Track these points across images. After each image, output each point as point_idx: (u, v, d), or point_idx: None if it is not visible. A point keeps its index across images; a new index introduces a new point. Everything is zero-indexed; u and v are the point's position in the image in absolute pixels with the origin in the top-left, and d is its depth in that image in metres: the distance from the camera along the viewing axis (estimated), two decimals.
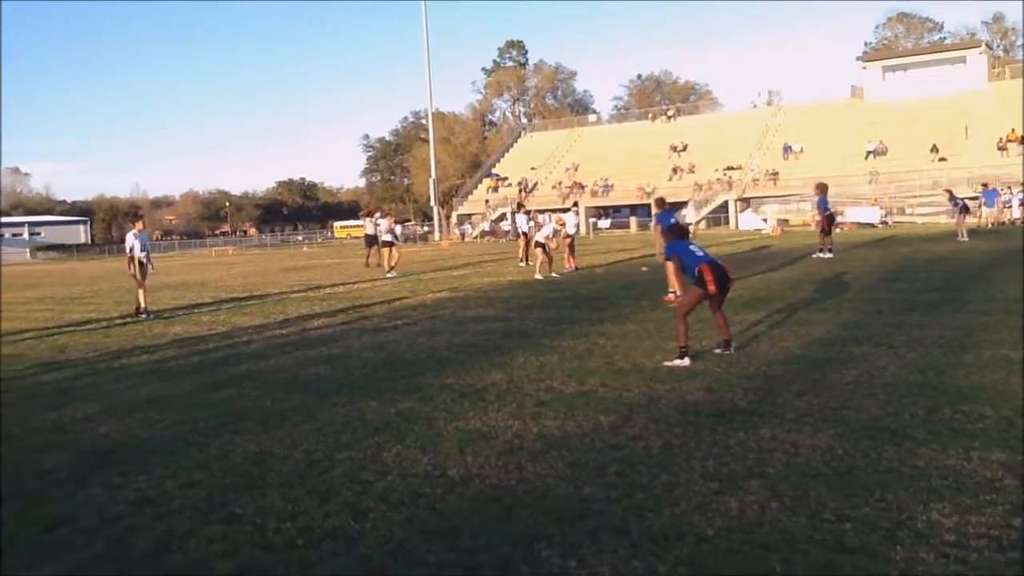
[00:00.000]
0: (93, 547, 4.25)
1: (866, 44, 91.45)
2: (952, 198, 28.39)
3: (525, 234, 24.88)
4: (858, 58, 72.36)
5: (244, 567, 3.87)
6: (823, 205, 21.26)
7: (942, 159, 51.40)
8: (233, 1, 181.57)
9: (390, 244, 23.50)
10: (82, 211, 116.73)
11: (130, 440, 6.33)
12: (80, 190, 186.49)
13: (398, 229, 24.03)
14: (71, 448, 6.19)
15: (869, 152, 55.46)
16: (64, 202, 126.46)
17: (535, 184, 68.28)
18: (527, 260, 23.86)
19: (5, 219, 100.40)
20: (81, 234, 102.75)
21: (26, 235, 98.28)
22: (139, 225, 16.63)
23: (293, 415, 6.78)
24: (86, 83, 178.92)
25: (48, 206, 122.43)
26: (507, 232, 55.71)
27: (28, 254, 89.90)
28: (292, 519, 4.45)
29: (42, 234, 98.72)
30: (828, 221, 21.42)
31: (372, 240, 26.54)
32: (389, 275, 22.43)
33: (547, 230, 21.46)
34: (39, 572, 3.96)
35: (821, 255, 20.71)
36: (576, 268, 19.58)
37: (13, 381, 9.34)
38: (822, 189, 21.35)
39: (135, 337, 12.59)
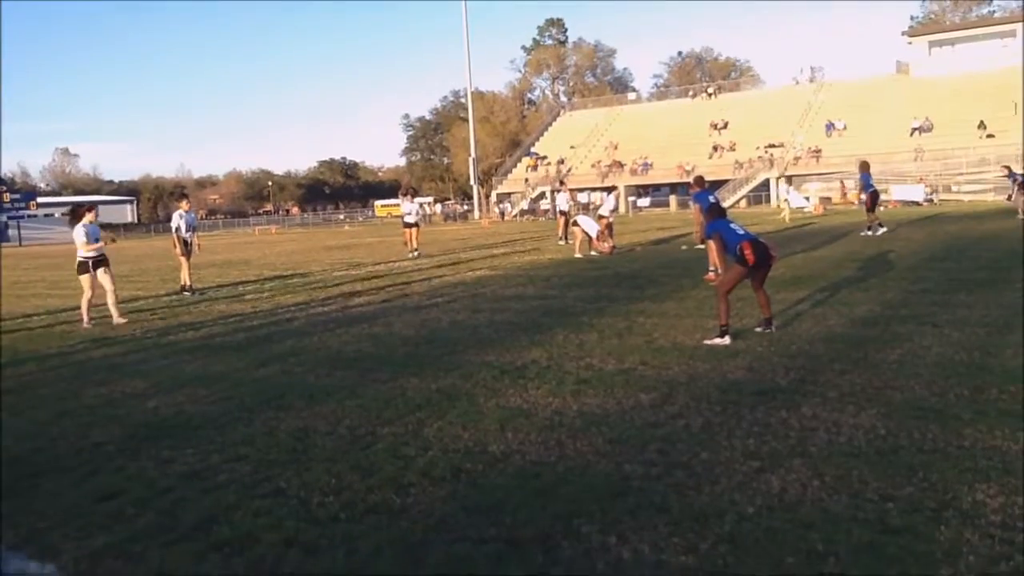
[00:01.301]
0: (143, 518, 4.35)
1: (912, 18, 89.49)
2: (1011, 174, 27.72)
3: (564, 213, 24.80)
4: (904, 33, 70.73)
5: (289, 540, 3.94)
6: (865, 182, 20.98)
7: (990, 135, 50.22)
8: None
9: (413, 225, 23.35)
10: (129, 191, 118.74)
11: (178, 415, 6.47)
12: (127, 170, 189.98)
13: (413, 207, 23.80)
14: (122, 422, 6.33)
15: (914, 129, 54.38)
16: (111, 182, 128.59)
17: (570, 168, 67.89)
18: (566, 238, 23.82)
19: (56, 199, 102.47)
20: (128, 213, 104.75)
21: None
22: (185, 205, 16.95)
23: (336, 391, 6.87)
24: (132, 65, 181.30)
25: (96, 186, 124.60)
26: (546, 211, 55.66)
27: None
28: (336, 493, 4.52)
29: None
30: (872, 199, 21.11)
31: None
32: (412, 255, 22.36)
33: (609, 204, 21.44)
34: (93, 542, 4.07)
35: (869, 232, 20.42)
36: (613, 249, 19.49)
37: (65, 356, 9.58)
38: (864, 167, 21.09)
39: (181, 314, 12.82)
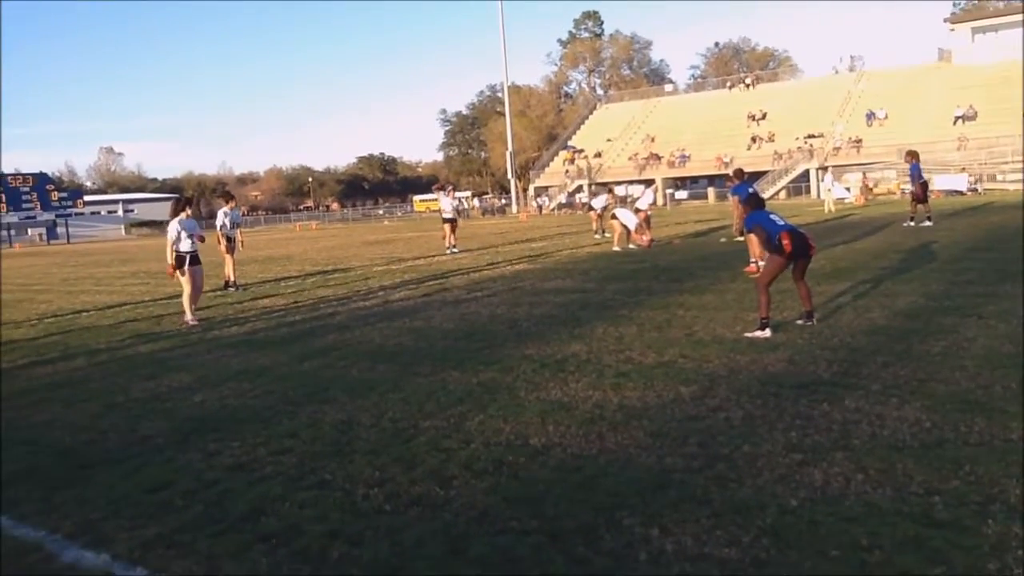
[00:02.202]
0: (192, 509, 4.45)
1: (954, 4, 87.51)
2: None
3: (596, 210, 24.81)
4: (946, 20, 69.25)
5: (334, 532, 4.01)
6: (915, 172, 20.62)
7: None
8: None
9: (451, 220, 23.30)
10: (172, 188, 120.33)
11: (224, 409, 6.59)
12: (170, 168, 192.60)
13: (451, 203, 23.79)
14: (169, 415, 6.48)
15: (957, 117, 53.24)
16: (155, 180, 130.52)
17: (600, 165, 67.60)
18: (603, 232, 23.78)
19: (102, 196, 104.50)
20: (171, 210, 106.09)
21: (120, 212, 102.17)
22: (231, 203, 17.25)
23: (378, 385, 6.96)
24: (175, 63, 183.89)
25: (140, 184, 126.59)
26: (583, 205, 55.52)
27: (123, 230, 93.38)
28: (379, 486, 4.58)
29: (135, 211, 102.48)
30: (923, 188, 20.77)
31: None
32: (451, 250, 22.36)
33: (648, 198, 21.35)
34: (145, 532, 4.18)
35: (912, 223, 20.10)
36: (651, 242, 19.41)
37: (114, 352, 9.79)
38: (913, 156, 20.70)
39: (225, 309, 13.02)
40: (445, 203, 23.87)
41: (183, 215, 11.85)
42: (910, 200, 21.39)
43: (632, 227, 19.46)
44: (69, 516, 4.47)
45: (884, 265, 12.80)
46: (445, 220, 23.38)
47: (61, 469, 5.31)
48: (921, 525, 3.63)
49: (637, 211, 20.40)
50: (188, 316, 11.60)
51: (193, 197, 12.45)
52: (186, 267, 11.66)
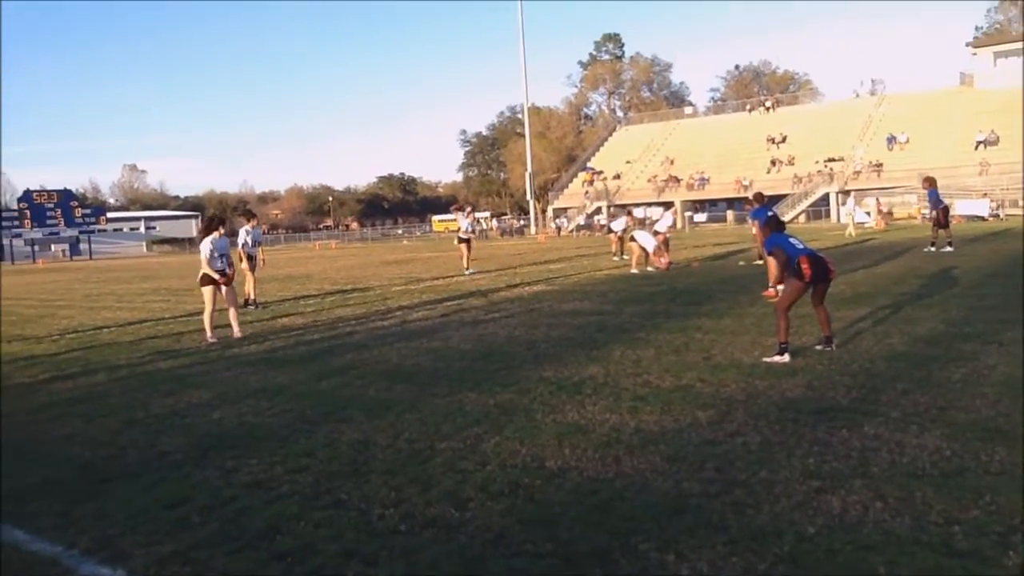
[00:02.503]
0: (208, 526, 4.47)
1: (977, 29, 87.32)
2: None
3: (616, 232, 24.81)
4: (968, 44, 69.02)
5: (349, 551, 4.01)
6: (934, 198, 20.60)
7: None
8: (334, 1, 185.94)
9: (465, 240, 23.21)
10: (194, 206, 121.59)
11: (242, 426, 6.63)
12: (192, 186, 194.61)
13: (466, 223, 23.83)
14: (188, 432, 6.52)
15: (979, 142, 52.95)
16: (177, 197, 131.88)
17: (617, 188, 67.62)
18: (622, 254, 23.77)
19: (125, 213, 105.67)
20: (193, 228, 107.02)
21: (142, 229, 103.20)
22: (252, 222, 17.40)
23: (395, 405, 6.97)
24: (199, 82, 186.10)
25: (162, 201, 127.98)
26: (602, 227, 55.51)
27: (144, 247, 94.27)
28: (395, 506, 4.58)
29: (157, 228, 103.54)
30: (944, 214, 20.72)
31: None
32: (468, 272, 22.26)
33: (667, 220, 21.35)
34: (161, 549, 4.20)
35: (933, 249, 20.00)
36: (669, 265, 19.38)
37: (134, 368, 9.86)
38: (931, 183, 20.71)
39: (244, 327, 13.07)
40: (462, 223, 23.95)
41: (215, 234, 11.88)
42: (931, 226, 21.31)
43: (651, 249, 19.45)
44: (86, 531, 4.50)
45: (904, 290, 12.72)
46: (460, 240, 23.44)
47: (80, 483, 5.35)
48: (940, 555, 3.59)
49: (656, 233, 20.39)
50: (208, 334, 11.67)
51: (225, 217, 12.33)
52: (212, 284, 11.72)
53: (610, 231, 25.13)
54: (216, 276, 11.69)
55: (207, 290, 11.77)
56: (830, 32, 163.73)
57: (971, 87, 60.86)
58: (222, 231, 12.09)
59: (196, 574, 3.89)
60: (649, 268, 19.49)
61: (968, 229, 31.33)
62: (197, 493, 5.00)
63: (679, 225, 50.62)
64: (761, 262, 15.77)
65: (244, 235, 16.86)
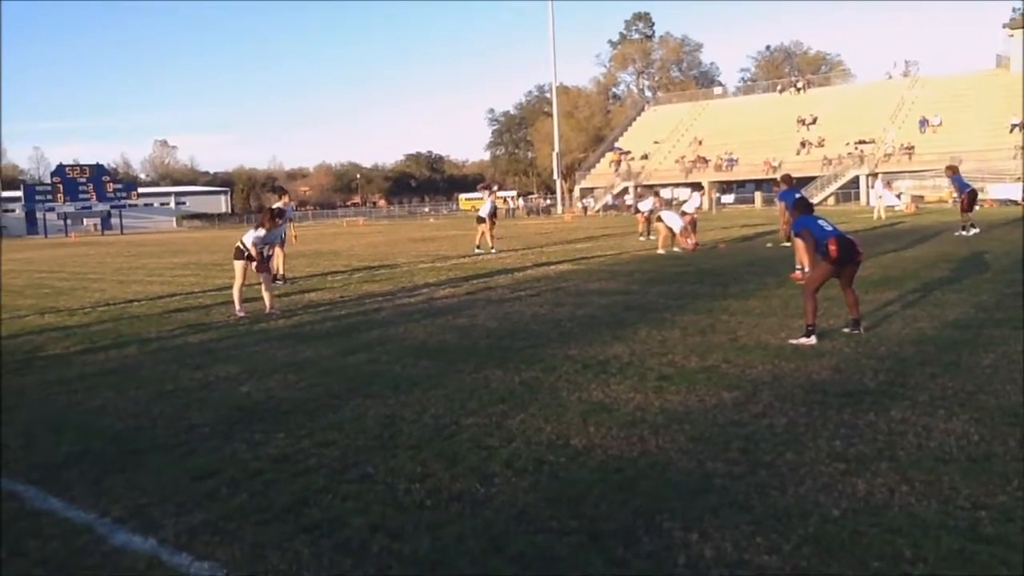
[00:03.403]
0: (237, 498, 4.53)
1: (1014, 10, 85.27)
2: None
3: (643, 213, 24.67)
4: (1005, 25, 67.49)
5: (375, 525, 4.05)
6: (959, 184, 20.47)
7: None
8: None
9: (482, 220, 23.13)
10: (223, 182, 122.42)
11: (270, 400, 6.70)
12: (222, 162, 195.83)
13: (487, 207, 23.73)
14: (216, 405, 6.60)
15: (1014, 125, 51.95)
16: (207, 173, 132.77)
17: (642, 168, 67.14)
18: (648, 234, 23.68)
19: (155, 188, 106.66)
20: (222, 204, 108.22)
21: (172, 204, 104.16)
22: (285, 199, 17.50)
23: (422, 381, 7.02)
24: (230, 60, 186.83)
25: (192, 177, 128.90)
26: (629, 206, 55.26)
27: (174, 222, 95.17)
28: (421, 481, 4.63)
29: (187, 203, 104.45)
30: (971, 198, 20.52)
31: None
32: (481, 251, 22.25)
33: (695, 201, 21.25)
34: (191, 519, 4.27)
35: (964, 233, 19.80)
36: (696, 246, 19.28)
37: (164, 340, 9.99)
38: (953, 170, 20.81)
39: (273, 302, 13.17)
40: (487, 204, 23.94)
41: (268, 225, 11.95)
42: (960, 211, 21.12)
43: (677, 229, 19.35)
44: (119, 500, 4.57)
45: (934, 274, 12.58)
46: (479, 220, 23.35)
47: (112, 454, 5.44)
48: (967, 539, 3.58)
49: (683, 214, 20.27)
50: (237, 307, 11.80)
51: (276, 210, 12.42)
52: (244, 260, 11.91)
53: (637, 211, 25.00)
54: (256, 257, 11.83)
55: (239, 264, 11.93)
56: (864, 12, 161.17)
57: (1007, 70, 59.69)
58: (279, 221, 12.43)
59: (225, 544, 3.95)
60: (675, 248, 19.40)
61: (1000, 213, 30.88)
62: (226, 465, 5.07)
63: (706, 207, 50.30)
64: (789, 244, 15.64)
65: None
